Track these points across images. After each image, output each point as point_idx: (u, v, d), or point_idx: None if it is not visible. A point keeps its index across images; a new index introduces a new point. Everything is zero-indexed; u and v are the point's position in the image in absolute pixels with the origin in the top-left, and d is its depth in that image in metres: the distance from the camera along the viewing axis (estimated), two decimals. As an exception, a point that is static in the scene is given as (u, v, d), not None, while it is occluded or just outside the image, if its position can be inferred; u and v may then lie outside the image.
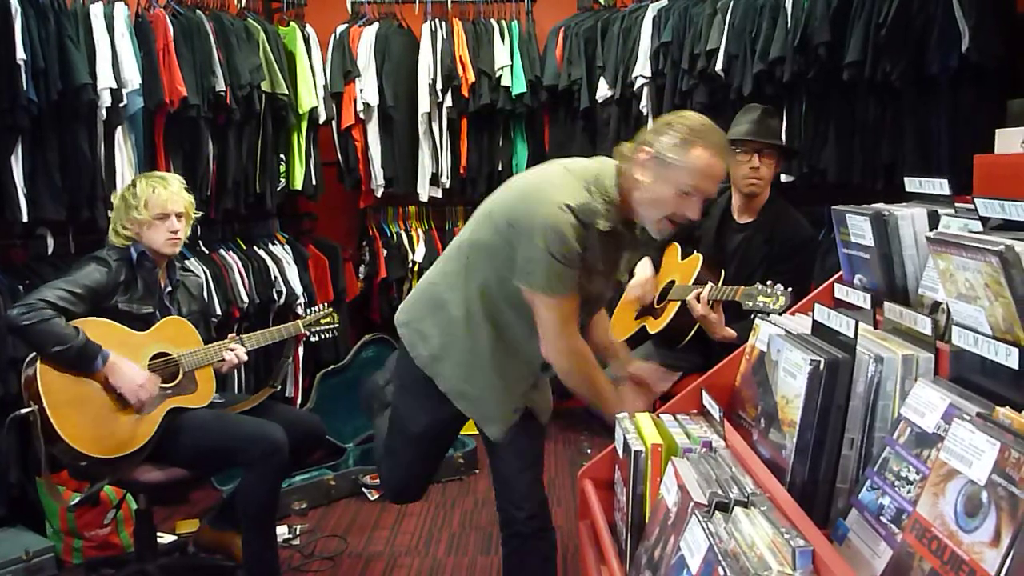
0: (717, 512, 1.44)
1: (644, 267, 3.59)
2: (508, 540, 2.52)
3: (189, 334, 3.10)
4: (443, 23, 5.03)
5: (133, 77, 3.73)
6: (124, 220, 3.02)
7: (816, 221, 3.98)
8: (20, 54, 3.31)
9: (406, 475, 2.72)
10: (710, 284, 3.21)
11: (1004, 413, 1.20)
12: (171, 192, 3.05)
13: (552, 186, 2.26)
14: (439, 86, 4.93)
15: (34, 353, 2.83)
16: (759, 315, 2.09)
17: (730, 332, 3.18)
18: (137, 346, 2.96)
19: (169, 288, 3.14)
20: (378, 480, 4.19)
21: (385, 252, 5.18)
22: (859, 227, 1.82)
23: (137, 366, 2.90)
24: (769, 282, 2.96)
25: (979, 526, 1.10)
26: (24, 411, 2.79)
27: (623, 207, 2.27)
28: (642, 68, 4.64)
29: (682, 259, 3.55)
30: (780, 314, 2.39)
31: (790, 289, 2.89)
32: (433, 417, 2.54)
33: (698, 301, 3.17)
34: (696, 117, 2.24)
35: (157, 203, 3.00)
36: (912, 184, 1.90)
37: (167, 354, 3.01)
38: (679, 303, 3.35)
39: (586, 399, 2.44)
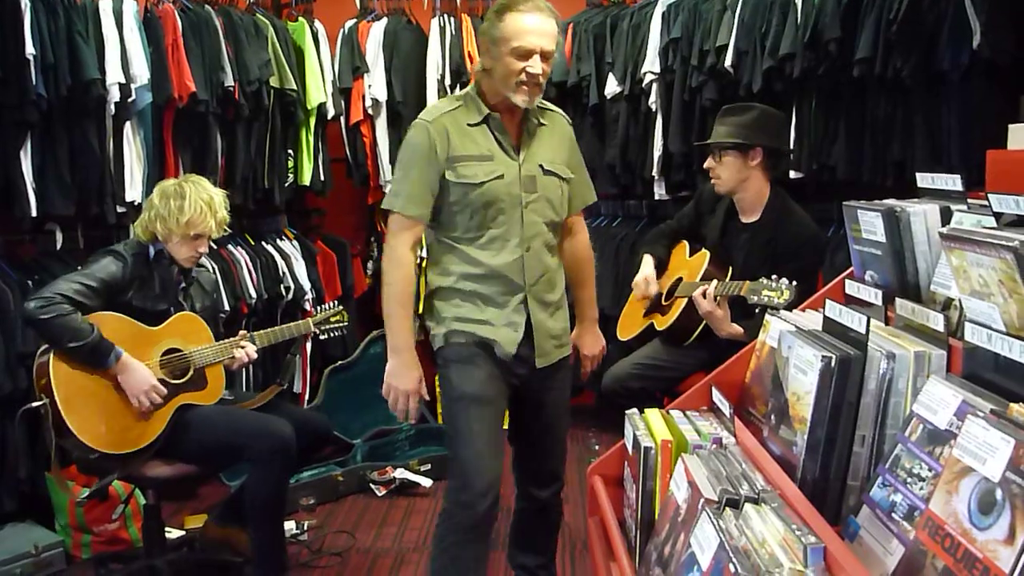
0: (728, 509, 1.44)
1: (646, 263, 3.59)
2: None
3: (201, 330, 3.10)
4: (452, 18, 5.02)
5: (142, 72, 3.73)
6: (159, 222, 3.01)
7: (825, 218, 3.97)
8: (29, 49, 3.32)
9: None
10: (716, 280, 3.20)
11: (1018, 410, 1.19)
12: (217, 220, 3.05)
13: None
14: (448, 81, 4.91)
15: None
16: (766, 310, 2.09)
17: (737, 329, 3.17)
18: (150, 341, 2.96)
19: (183, 284, 3.15)
20: (391, 475, 4.19)
21: (393, 248, 5.18)
22: (871, 223, 1.81)
23: (147, 370, 2.90)
24: (774, 276, 2.95)
25: (993, 523, 1.09)
26: (35, 404, 2.79)
27: (488, 99, 2.51)
28: (651, 64, 4.62)
29: (690, 256, 3.55)
30: (786, 308, 2.38)
31: (795, 283, 2.88)
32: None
33: (704, 297, 3.17)
34: None
35: (198, 226, 3.01)
36: (924, 180, 1.89)
37: (179, 350, 3.01)
38: (686, 300, 3.34)
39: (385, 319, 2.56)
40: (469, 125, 2.50)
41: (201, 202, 3.01)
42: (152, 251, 3.04)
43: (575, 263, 2.80)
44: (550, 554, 2.93)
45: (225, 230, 3.16)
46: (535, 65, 2.39)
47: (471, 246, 2.52)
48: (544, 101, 2.64)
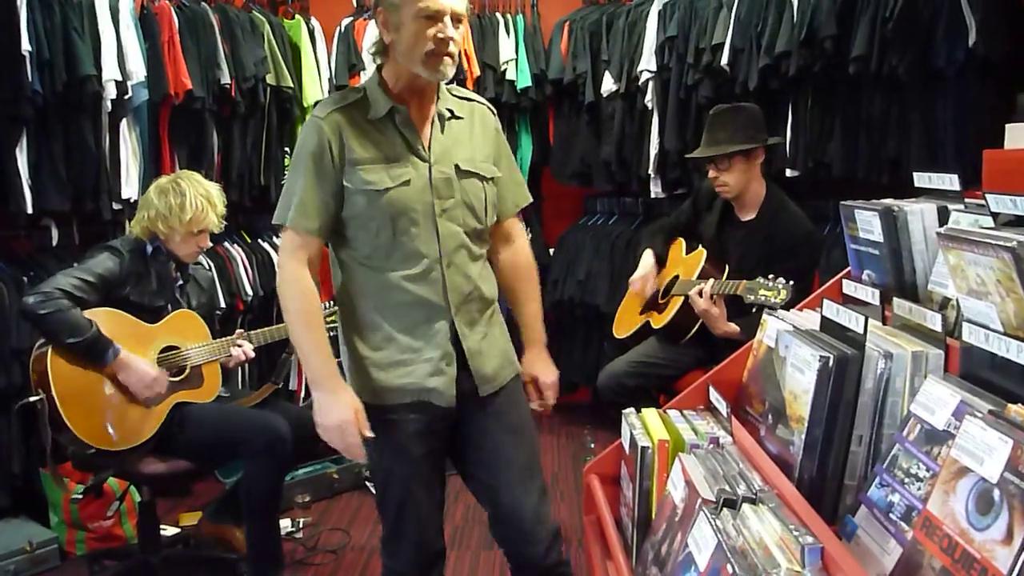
0: (725, 509, 1.44)
1: (646, 259, 3.59)
2: None
3: (198, 328, 3.09)
4: (448, 16, 5.01)
5: (138, 69, 3.73)
6: (160, 222, 3.00)
7: (821, 216, 3.97)
8: (25, 45, 3.31)
9: None
10: (712, 279, 3.21)
11: (1016, 410, 1.19)
12: (218, 214, 3.07)
13: None
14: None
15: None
16: (764, 309, 2.10)
17: (733, 328, 3.18)
18: (147, 338, 2.96)
19: (181, 282, 3.14)
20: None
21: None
22: (868, 222, 1.81)
23: (147, 363, 2.90)
24: (771, 276, 2.96)
25: (991, 524, 1.09)
26: (32, 399, 2.79)
27: (391, 88, 2.11)
28: (647, 62, 4.62)
29: (686, 254, 3.55)
30: (783, 308, 2.39)
31: (791, 283, 2.89)
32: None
33: (700, 296, 3.18)
34: None
35: (201, 223, 3.02)
36: (921, 179, 1.89)
37: (176, 347, 3.01)
38: (683, 298, 3.35)
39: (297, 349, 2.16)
40: (370, 121, 2.09)
41: (201, 198, 3.01)
42: (149, 247, 3.03)
43: (515, 275, 2.36)
44: None
45: (222, 225, 3.16)
46: (447, 28, 2.01)
47: (382, 269, 2.11)
48: (463, 89, 2.30)
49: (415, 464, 2.15)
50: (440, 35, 1.99)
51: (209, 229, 3.07)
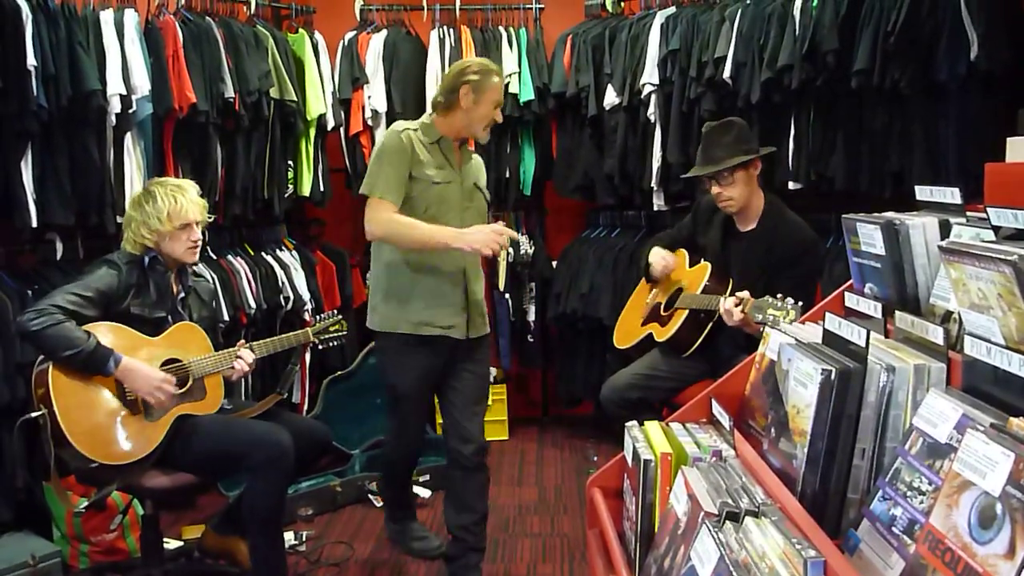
0: (727, 522, 1.44)
1: (656, 252, 3.65)
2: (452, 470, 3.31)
3: (200, 340, 3.10)
4: (451, 30, 5.04)
5: (143, 83, 3.75)
6: (144, 230, 3.02)
7: (823, 229, 3.97)
8: (31, 60, 3.33)
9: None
10: (732, 296, 3.17)
11: (1018, 424, 1.19)
12: (191, 201, 3.07)
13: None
14: (447, 93, 4.94)
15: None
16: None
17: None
18: (149, 351, 2.96)
19: (182, 294, 3.15)
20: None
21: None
22: (870, 236, 1.81)
23: (150, 367, 2.90)
24: (779, 295, 2.95)
25: (994, 538, 1.09)
26: (35, 414, 2.79)
27: (441, 128, 3.14)
28: (650, 75, 4.63)
29: (690, 266, 3.55)
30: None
31: (800, 303, 2.88)
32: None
33: (730, 313, 3.13)
34: (477, 60, 3.24)
35: (179, 214, 3.02)
36: (923, 192, 1.89)
37: (178, 360, 3.01)
38: (686, 311, 3.35)
39: (424, 244, 3.05)
40: (428, 142, 3.13)
41: (172, 191, 3.04)
42: (146, 259, 3.04)
43: None
44: (482, 511, 3.36)
45: (208, 217, 3.18)
46: (499, 116, 3.17)
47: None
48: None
49: (425, 383, 3.23)
50: (497, 119, 3.16)
51: (193, 220, 3.06)
